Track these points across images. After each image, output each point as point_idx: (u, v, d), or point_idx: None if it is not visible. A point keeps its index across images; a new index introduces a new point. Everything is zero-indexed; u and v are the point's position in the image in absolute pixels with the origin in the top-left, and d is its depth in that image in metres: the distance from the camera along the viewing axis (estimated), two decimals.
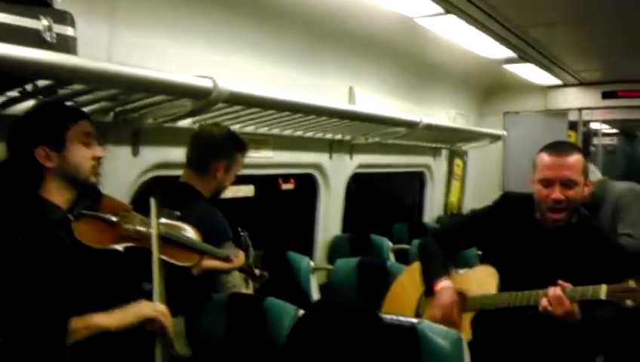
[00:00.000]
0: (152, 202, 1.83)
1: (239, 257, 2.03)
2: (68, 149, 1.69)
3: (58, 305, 1.60)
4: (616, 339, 2.23)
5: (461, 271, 2.37)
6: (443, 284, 2.23)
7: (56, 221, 1.67)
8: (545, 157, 2.10)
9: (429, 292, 2.30)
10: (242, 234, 2.44)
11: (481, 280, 2.20)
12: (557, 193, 2.07)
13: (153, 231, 1.78)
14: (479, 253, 2.77)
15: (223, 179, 2.35)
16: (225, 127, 2.40)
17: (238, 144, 2.37)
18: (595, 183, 3.16)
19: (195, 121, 2.53)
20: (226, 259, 2.00)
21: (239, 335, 2.00)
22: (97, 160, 1.75)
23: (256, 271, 2.18)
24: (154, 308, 1.68)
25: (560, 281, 1.93)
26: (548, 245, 2.13)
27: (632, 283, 1.86)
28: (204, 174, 2.31)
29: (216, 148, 2.31)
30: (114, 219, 1.76)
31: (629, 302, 1.85)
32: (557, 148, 2.13)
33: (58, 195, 1.70)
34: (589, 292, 1.90)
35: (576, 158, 2.08)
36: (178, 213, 2.07)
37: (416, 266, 2.44)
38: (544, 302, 1.93)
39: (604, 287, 1.89)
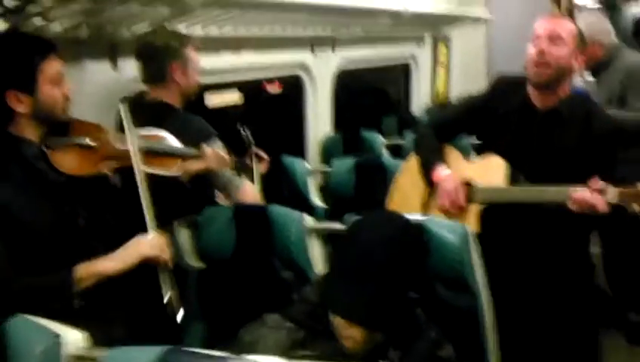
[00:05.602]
0: (122, 109, 1.75)
1: (208, 152, 1.99)
2: (40, 92, 1.58)
3: (56, 240, 1.58)
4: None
5: (467, 161, 2.29)
6: (443, 173, 2.17)
7: (33, 155, 1.61)
8: (538, 22, 2.07)
9: (430, 183, 2.24)
10: (244, 132, 2.42)
11: (489, 171, 2.12)
12: (542, 44, 2.01)
13: (129, 144, 1.71)
14: (473, 143, 2.73)
15: (185, 81, 2.21)
16: (161, 29, 2.25)
17: (181, 40, 2.21)
18: (605, 46, 2.98)
19: None
20: (197, 157, 1.96)
21: (248, 246, 1.99)
22: (67, 97, 1.66)
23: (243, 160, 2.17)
24: (151, 244, 1.68)
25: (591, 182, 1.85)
26: (542, 128, 2.09)
27: None
28: (165, 83, 2.19)
29: (163, 53, 2.17)
30: (91, 142, 1.70)
31: (635, 207, 1.77)
32: (553, 17, 2.08)
33: (30, 132, 1.61)
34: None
35: (570, 26, 2.06)
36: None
37: (412, 163, 2.36)
38: (573, 200, 1.85)
39: (616, 191, 1.81)
